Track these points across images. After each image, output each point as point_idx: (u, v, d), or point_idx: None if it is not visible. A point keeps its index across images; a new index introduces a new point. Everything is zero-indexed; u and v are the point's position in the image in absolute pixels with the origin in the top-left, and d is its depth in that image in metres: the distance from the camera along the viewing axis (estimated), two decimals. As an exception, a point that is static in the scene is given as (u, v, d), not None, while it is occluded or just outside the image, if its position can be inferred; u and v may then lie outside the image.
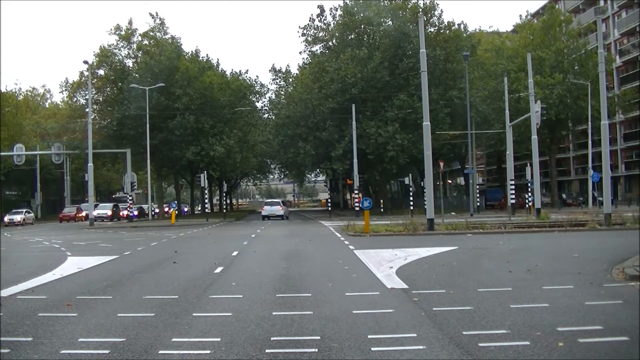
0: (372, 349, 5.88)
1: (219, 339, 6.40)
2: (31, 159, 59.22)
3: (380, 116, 47.56)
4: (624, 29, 60.69)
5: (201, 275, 11.86)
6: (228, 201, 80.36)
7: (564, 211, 40.99)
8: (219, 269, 12.75)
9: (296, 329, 6.87)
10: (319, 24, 53.27)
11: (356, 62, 47.66)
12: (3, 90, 56.61)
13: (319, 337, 6.36)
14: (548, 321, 6.83)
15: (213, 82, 51.57)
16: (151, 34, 53.10)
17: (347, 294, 9.10)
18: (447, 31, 50.18)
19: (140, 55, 52.66)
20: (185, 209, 76.31)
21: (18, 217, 48.62)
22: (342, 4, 52.36)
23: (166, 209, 60.17)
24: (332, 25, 53.22)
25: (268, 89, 62.89)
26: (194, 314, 7.79)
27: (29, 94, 73.45)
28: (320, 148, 50.38)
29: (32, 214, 53.92)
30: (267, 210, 47.75)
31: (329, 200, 58.48)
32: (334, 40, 53.71)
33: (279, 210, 47.37)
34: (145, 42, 52.96)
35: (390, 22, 50.57)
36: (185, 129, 48.69)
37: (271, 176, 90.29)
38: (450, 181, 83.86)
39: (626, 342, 5.96)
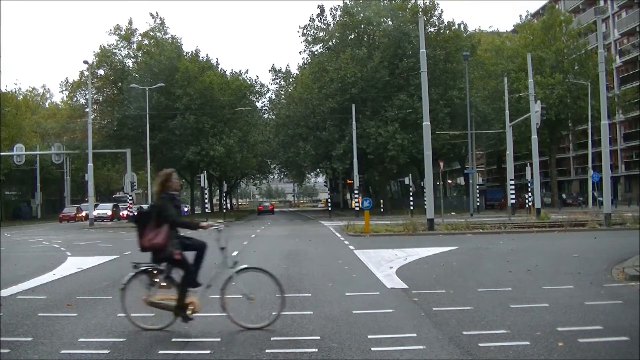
0: (372, 349, 5.88)
1: (219, 339, 6.40)
2: (31, 159, 59.09)
3: (380, 116, 47.54)
4: (624, 29, 60.64)
5: (201, 275, 11.81)
6: (228, 201, 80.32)
7: (564, 211, 40.92)
8: (219, 269, 12.69)
9: (296, 329, 6.86)
10: (319, 24, 53.37)
11: (356, 62, 47.67)
12: (3, 90, 56.57)
13: (319, 337, 6.35)
14: (548, 321, 6.82)
15: (213, 82, 51.53)
16: (151, 34, 53.13)
17: (347, 294, 9.09)
18: (447, 31, 50.20)
19: (140, 55, 52.68)
20: (185, 209, 76.16)
21: None
22: (342, 4, 52.50)
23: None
24: (332, 25, 53.25)
25: (268, 89, 62.98)
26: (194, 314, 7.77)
27: (29, 94, 73.34)
28: (320, 148, 50.38)
29: None
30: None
31: (329, 200, 58.47)
32: (334, 40, 53.72)
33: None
34: (145, 42, 52.99)
35: (390, 22, 50.57)
36: (185, 129, 48.67)
37: (271, 176, 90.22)
38: (450, 181, 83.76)
39: (626, 342, 5.95)
